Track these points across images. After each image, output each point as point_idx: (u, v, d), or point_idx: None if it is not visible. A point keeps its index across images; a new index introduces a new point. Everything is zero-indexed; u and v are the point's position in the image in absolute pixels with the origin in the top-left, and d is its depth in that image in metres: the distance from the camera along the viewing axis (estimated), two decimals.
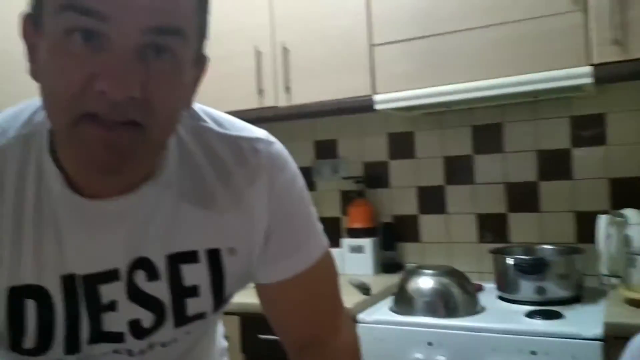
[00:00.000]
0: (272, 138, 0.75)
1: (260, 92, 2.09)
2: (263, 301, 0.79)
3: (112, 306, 0.66)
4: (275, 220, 0.72)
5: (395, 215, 2.27)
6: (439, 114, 2.16)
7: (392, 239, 2.24)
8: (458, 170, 2.16)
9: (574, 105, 1.96)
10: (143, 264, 0.66)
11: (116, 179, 0.61)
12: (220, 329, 0.93)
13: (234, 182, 0.69)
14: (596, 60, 1.60)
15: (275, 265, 0.74)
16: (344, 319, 0.83)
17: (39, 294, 0.62)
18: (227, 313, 1.78)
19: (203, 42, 0.61)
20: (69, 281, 0.63)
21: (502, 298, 1.80)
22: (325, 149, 2.40)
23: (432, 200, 2.21)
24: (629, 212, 1.71)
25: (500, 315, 1.63)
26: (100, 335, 0.67)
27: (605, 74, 1.61)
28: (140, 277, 0.66)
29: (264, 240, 0.73)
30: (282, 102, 2.07)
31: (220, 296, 0.72)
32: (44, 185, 0.62)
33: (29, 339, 0.63)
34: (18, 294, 0.62)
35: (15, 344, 0.64)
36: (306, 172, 2.47)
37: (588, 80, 1.59)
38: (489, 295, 1.82)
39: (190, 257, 0.68)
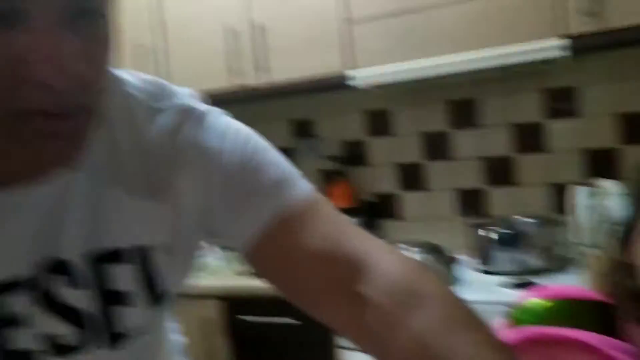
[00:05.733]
0: (201, 105, 0.61)
1: (232, 70, 2.07)
2: (269, 277, 0.61)
3: (19, 320, 0.54)
4: (221, 186, 0.59)
5: (376, 193, 2.27)
6: (414, 91, 2.15)
7: (375, 218, 2.24)
8: (436, 146, 2.16)
9: (548, 77, 1.95)
10: (59, 267, 0.54)
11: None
12: (173, 327, 0.74)
13: (158, 164, 0.57)
14: (571, 32, 1.60)
15: (244, 216, 0.59)
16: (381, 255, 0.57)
17: None
18: (202, 297, 1.79)
19: None
20: None
21: (480, 271, 1.82)
22: (303, 129, 2.38)
23: (412, 177, 2.21)
24: (604, 183, 1.72)
25: (474, 286, 1.66)
26: (5, 356, 0.55)
27: (581, 46, 1.61)
28: (56, 284, 0.55)
29: (217, 208, 0.60)
30: (258, 80, 2.05)
31: (157, 300, 0.60)
32: None
33: None
34: None
35: None
36: (284, 152, 2.44)
37: (563, 52, 1.59)
38: (467, 269, 1.84)
39: (115, 256, 0.56)
